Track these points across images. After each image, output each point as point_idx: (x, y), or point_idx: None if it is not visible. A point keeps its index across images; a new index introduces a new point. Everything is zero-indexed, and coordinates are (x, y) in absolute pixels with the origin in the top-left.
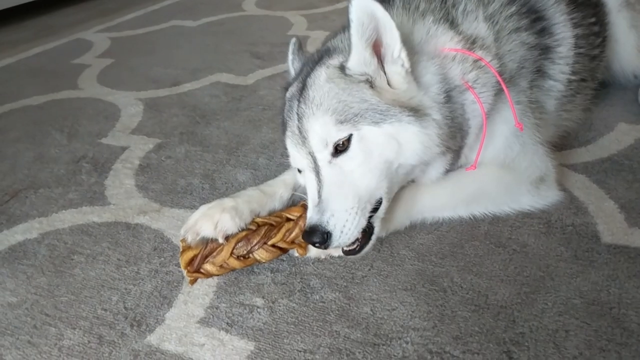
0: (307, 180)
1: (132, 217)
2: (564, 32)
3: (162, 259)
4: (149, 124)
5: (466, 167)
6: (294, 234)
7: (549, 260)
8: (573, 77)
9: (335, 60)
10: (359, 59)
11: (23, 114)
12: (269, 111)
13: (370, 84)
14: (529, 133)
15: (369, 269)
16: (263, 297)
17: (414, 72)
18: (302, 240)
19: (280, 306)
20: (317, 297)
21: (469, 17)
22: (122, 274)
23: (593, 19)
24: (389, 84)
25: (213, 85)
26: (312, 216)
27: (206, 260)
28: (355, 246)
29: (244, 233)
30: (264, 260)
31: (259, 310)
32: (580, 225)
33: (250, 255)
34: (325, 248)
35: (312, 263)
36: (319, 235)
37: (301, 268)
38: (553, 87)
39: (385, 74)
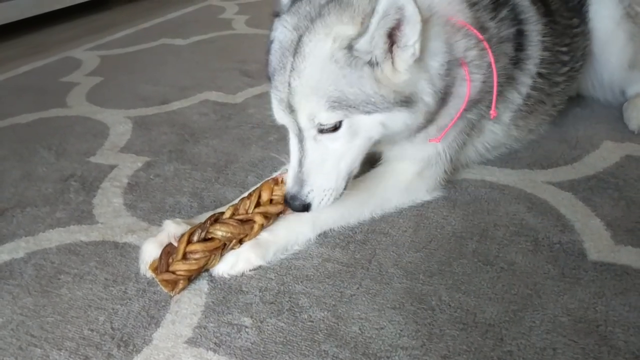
0: (291, 144)
1: (120, 236)
2: (534, 50)
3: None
4: (137, 142)
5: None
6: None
7: (536, 278)
8: (533, 92)
9: (343, 31)
10: (370, 41)
11: (11, 132)
12: (258, 129)
13: (374, 66)
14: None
15: (358, 288)
16: (251, 317)
17: (424, 35)
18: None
19: (268, 326)
20: (306, 316)
21: (484, 10)
22: (110, 294)
23: (564, 49)
24: (393, 65)
25: (202, 104)
26: (292, 186)
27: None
28: None
29: (198, 224)
30: (223, 236)
31: (247, 330)
32: (567, 243)
33: (212, 235)
34: (306, 211)
35: (301, 282)
36: (299, 206)
37: (290, 287)
38: (515, 99)
39: (392, 56)
